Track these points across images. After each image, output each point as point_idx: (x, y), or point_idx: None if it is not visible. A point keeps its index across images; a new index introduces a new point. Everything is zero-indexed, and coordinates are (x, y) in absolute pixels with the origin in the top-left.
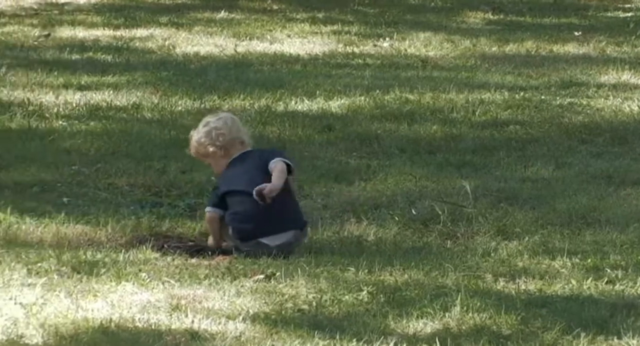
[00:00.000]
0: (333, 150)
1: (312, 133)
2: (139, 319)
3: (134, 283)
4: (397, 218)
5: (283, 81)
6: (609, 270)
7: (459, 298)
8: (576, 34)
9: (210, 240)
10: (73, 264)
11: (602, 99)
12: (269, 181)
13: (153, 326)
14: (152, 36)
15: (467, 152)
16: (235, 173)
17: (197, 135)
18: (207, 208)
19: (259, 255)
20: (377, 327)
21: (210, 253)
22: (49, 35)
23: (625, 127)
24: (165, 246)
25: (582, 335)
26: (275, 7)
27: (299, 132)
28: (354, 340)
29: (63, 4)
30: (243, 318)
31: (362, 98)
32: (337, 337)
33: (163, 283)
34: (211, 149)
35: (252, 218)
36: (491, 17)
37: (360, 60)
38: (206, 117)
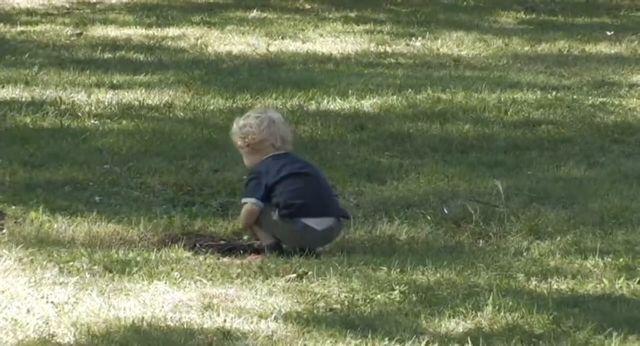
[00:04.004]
0: (365, 149)
1: (345, 133)
2: (170, 318)
3: (166, 282)
4: (429, 218)
5: (315, 80)
6: None
7: (491, 298)
8: (608, 33)
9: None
10: (105, 263)
11: (634, 99)
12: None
13: (185, 326)
14: (185, 35)
15: (499, 152)
16: (284, 163)
17: (235, 125)
18: (252, 200)
19: (303, 239)
20: (409, 326)
21: (242, 252)
22: (81, 34)
23: None
24: (197, 245)
25: (614, 334)
26: (307, 6)
27: (331, 131)
28: (386, 339)
29: (95, 3)
30: (275, 317)
31: (395, 97)
32: (369, 336)
33: (195, 282)
34: (239, 143)
35: (302, 195)
36: (523, 16)
37: (392, 60)
38: (256, 109)
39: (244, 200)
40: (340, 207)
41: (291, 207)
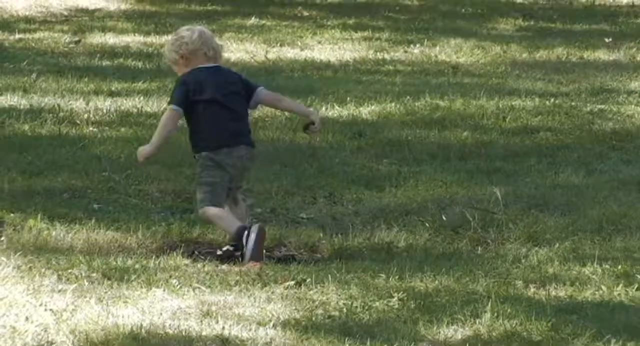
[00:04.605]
0: (363, 156)
1: (343, 140)
2: (169, 325)
3: (164, 290)
4: (427, 225)
5: (313, 87)
6: (639, 276)
7: (489, 305)
8: (606, 40)
9: (153, 144)
10: (103, 270)
11: (633, 105)
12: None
13: (183, 333)
14: None
15: (497, 159)
16: (210, 82)
17: (168, 43)
18: (173, 107)
19: (229, 162)
20: (408, 333)
21: (240, 259)
22: (79, 41)
23: None
24: (196, 252)
25: (613, 341)
26: (305, 13)
27: (329, 139)
28: None
29: (93, 11)
30: (273, 325)
31: (393, 104)
32: (368, 343)
33: (193, 290)
34: (174, 56)
35: (225, 127)
36: (522, 23)
37: (390, 67)
38: (180, 29)
39: (167, 106)
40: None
41: (216, 140)
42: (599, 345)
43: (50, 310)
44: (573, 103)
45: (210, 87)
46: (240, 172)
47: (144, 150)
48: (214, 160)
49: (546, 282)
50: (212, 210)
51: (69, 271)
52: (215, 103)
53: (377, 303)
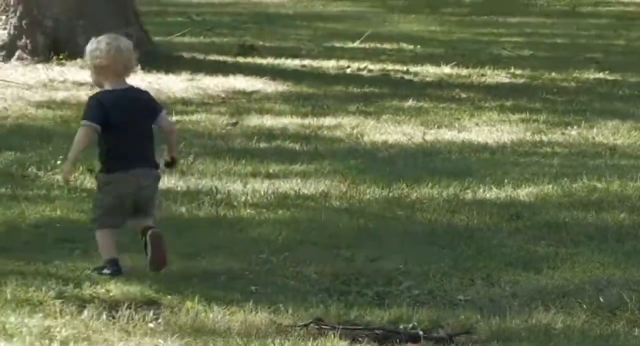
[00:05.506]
0: (521, 238)
1: (500, 221)
2: None
3: None
4: (585, 306)
5: (471, 169)
6: None
7: None
8: None
9: (70, 160)
10: None
11: None
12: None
13: None
14: (340, 124)
15: None
16: (120, 105)
17: (89, 45)
18: (91, 123)
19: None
20: None
21: (398, 340)
22: (236, 123)
23: None
24: (354, 333)
25: None
26: (463, 95)
27: (486, 220)
28: None
29: (251, 93)
30: None
31: (550, 186)
32: None
33: None
34: (88, 62)
35: (126, 150)
36: None
37: (548, 149)
38: (105, 36)
39: (82, 122)
40: (153, 159)
41: (113, 165)
42: None
43: None
44: None
45: (120, 110)
46: (142, 194)
47: (66, 169)
48: (110, 183)
49: None
50: (99, 232)
51: None
52: (121, 126)
53: None
